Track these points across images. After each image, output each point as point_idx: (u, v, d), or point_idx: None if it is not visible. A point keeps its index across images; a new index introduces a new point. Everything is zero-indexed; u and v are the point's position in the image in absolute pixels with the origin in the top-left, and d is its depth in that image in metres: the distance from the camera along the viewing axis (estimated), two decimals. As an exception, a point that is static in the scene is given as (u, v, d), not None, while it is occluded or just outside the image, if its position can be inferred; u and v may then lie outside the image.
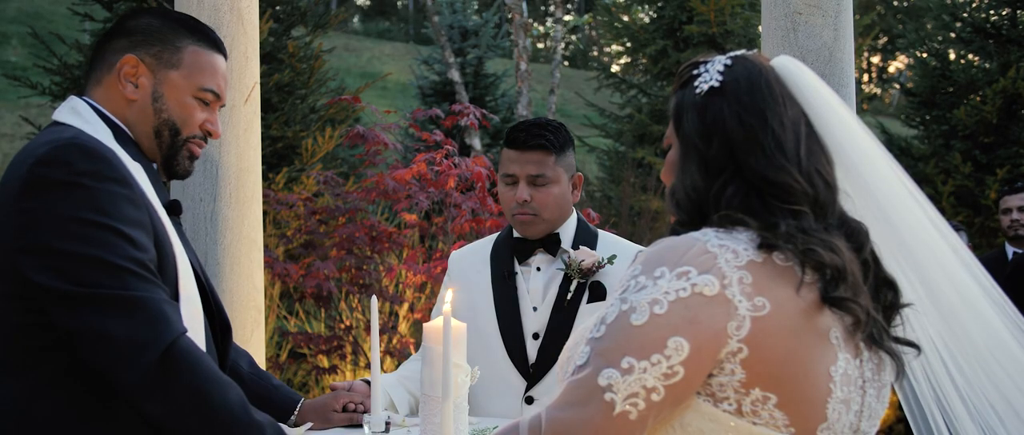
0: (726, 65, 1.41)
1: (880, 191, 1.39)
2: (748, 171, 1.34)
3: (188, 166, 1.88)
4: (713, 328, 1.24)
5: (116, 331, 1.56)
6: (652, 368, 1.23)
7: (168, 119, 1.83)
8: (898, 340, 1.37)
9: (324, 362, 5.51)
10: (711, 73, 1.41)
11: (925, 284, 1.39)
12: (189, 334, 1.65)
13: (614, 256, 2.60)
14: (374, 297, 2.39)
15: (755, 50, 1.48)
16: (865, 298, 1.32)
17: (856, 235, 1.36)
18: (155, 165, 1.86)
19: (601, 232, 2.73)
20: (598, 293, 2.60)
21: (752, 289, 1.25)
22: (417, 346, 4.95)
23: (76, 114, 1.78)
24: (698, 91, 1.40)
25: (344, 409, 2.33)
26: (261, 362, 3.69)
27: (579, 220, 2.71)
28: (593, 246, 2.67)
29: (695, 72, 1.43)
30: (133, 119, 1.82)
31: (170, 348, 1.57)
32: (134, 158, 1.76)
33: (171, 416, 1.59)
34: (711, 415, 1.27)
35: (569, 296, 2.59)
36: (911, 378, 1.41)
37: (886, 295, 1.37)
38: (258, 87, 3.69)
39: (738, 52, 1.45)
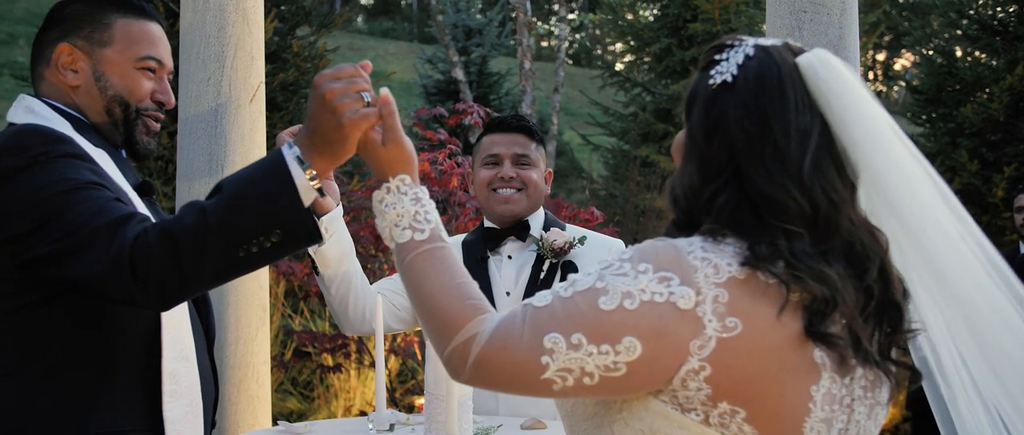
0: (747, 56, 1.30)
1: (911, 210, 1.29)
2: (746, 180, 1.26)
3: (147, 142, 1.86)
4: (675, 343, 1.20)
5: (88, 270, 1.53)
6: (598, 356, 1.19)
7: (115, 95, 1.81)
8: (898, 364, 1.30)
9: (328, 360, 5.51)
10: (730, 64, 1.31)
11: (966, 318, 1.29)
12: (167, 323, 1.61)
13: (585, 237, 2.69)
14: (379, 295, 2.39)
15: (787, 41, 1.36)
16: (858, 326, 1.25)
17: (861, 260, 1.26)
18: (123, 152, 1.85)
19: (569, 225, 2.79)
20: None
21: (726, 309, 1.20)
22: (421, 344, 4.94)
23: (31, 112, 1.77)
24: (711, 82, 1.31)
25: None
26: (266, 360, 3.70)
27: (547, 213, 2.79)
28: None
29: (717, 58, 1.33)
30: (83, 104, 1.81)
31: (132, 256, 1.50)
32: (97, 145, 1.76)
33: (171, 299, 1.56)
34: (680, 422, 1.23)
35: (542, 276, 2.64)
36: (947, 399, 1.34)
37: (891, 318, 1.29)
38: (263, 86, 3.69)
39: (768, 41, 1.33)
